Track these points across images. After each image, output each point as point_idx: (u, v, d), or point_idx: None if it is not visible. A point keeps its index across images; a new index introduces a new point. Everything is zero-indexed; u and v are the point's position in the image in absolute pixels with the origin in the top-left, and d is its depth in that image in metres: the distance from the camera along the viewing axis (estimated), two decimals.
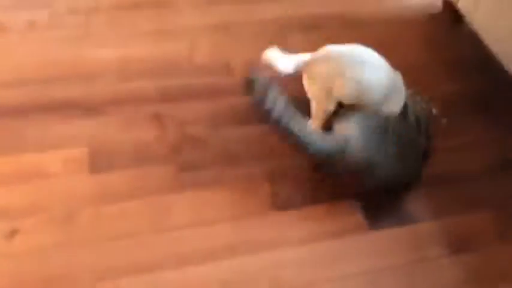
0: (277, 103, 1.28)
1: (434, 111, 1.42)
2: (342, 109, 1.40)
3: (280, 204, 1.35)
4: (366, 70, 1.35)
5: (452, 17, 1.88)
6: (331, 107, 1.38)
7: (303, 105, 1.40)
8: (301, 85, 1.42)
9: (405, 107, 1.40)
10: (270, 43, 1.75)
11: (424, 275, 1.24)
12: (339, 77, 1.34)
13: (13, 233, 1.24)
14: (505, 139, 1.52)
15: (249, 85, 1.32)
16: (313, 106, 1.41)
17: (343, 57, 1.37)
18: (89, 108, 1.52)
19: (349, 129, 1.30)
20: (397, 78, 1.42)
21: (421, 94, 1.45)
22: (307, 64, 1.41)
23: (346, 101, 1.37)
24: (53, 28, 1.74)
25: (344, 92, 1.35)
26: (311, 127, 1.35)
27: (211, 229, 1.29)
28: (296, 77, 1.43)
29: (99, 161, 1.40)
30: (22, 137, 1.44)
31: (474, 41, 1.70)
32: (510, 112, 1.60)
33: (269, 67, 1.42)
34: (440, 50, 1.82)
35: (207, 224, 1.30)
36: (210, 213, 1.32)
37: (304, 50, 1.75)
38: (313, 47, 1.77)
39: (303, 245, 1.28)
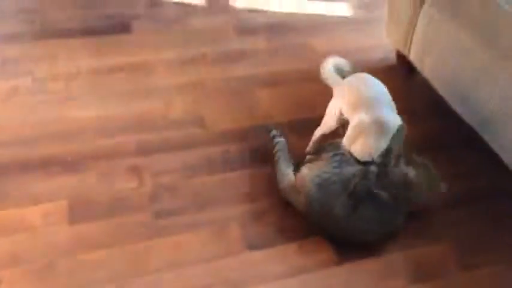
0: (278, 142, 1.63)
1: (443, 186, 1.46)
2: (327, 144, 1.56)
3: (253, 244, 1.41)
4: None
5: (406, 68, 2.05)
6: (334, 125, 1.60)
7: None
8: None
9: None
10: (239, 98, 1.91)
11: None
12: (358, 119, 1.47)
13: None
14: (457, 176, 1.64)
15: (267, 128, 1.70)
16: (324, 118, 1.65)
17: (372, 100, 1.50)
18: (68, 164, 1.60)
19: (305, 183, 1.44)
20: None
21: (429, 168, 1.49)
22: (339, 84, 1.62)
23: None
24: (35, 93, 1.86)
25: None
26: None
27: (188, 271, 1.34)
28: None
29: (77, 213, 1.46)
30: (4, 193, 1.50)
31: (426, 89, 1.86)
32: (464, 150, 1.73)
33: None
34: (397, 98, 1.96)
35: (184, 266, 1.35)
36: (187, 257, 1.37)
37: (270, 102, 1.90)
38: (278, 100, 1.92)
39: (276, 281, 1.33)
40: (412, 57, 1.93)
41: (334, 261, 1.38)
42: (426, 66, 1.84)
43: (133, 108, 1.82)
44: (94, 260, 1.35)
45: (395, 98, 1.99)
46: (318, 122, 1.81)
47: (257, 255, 1.39)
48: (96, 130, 1.73)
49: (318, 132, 1.65)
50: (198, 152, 1.69)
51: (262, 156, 1.67)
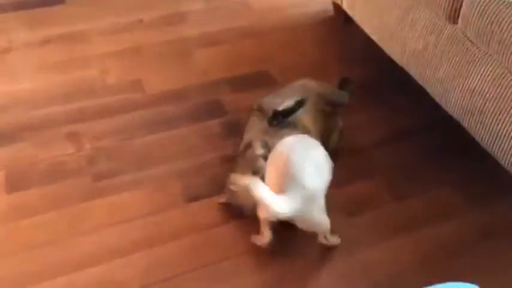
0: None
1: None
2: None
3: (189, 197, 1.44)
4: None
5: (342, 18, 2.08)
6: None
7: None
8: None
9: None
10: (177, 60, 1.91)
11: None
12: None
13: None
14: (389, 116, 1.69)
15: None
16: None
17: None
18: (2, 136, 1.59)
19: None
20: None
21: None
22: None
23: None
24: None
25: None
26: None
27: (128, 227, 1.36)
28: None
29: (15, 182, 1.46)
30: None
31: (361, 36, 1.89)
32: (394, 92, 1.78)
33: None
34: (334, 46, 2.01)
35: (123, 223, 1.37)
36: (126, 213, 1.39)
37: (210, 61, 1.91)
38: (217, 59, 1.93)
39: (216, 228, 1.37)
40: (345, 5, 1.96)
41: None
42: (357, 12, 1.88)
43: (69, 78, 1.81)
44: (31, 224, 1.36)
45: (329, 47, 2.03)
46: (257, 77, 1.84)
47: (195, 206, 1.42)
48: (30, 101, 1.71)
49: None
50: (137, 114, 1.69)
51: (199, 114, 1.69)
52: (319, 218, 1.26)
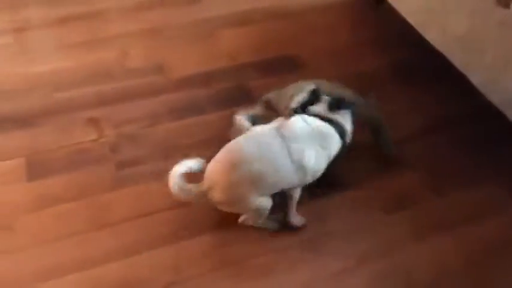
0: None
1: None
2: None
3: None
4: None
5: None
6: None
7: None
8: None
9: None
10: (201, 41, 1.82)
11: (371, 234, 1.28)
12: None
13: None
14: (427, 105, 1.60)
15: None
16: None
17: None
18: (22, 121, 1.52)
19: None
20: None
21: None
22: None
23: None
24: None
25: None
26: None
27: (153, 219, 1.30)
28: None
29: (36, 169, 1.40)
30: None
31: (395, 18, 1.79)
32: (431, 79, 1.68)
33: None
34: (366, 29, 1.90)
35: (148, 215, 1.31)
36: (152, 206, 1.33)
37: (236, 43, 1.82)
38: (244, 41, 1.84)
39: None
40: None
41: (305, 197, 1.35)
42: None
43: (88, 60, 1.73)
44: (55, 215, 1.30)
45: (360, 29, 1.92)
46: (285, 61, 1.75)
47: None
48: (50, 84, 1.64)
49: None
50: (159, 99, 1.61)
51: (225, 100, 1.60)
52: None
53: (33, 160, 1.42)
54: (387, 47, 1.79)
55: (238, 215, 1.27)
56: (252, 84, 1.66)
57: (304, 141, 1.21)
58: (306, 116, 1.26)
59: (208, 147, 1.46)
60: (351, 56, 1.76)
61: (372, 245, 1.26)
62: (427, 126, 1.53)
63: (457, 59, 1.52)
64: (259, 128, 1.27)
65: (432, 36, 1.60)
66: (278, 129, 1.22)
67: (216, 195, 1.20)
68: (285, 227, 1.27)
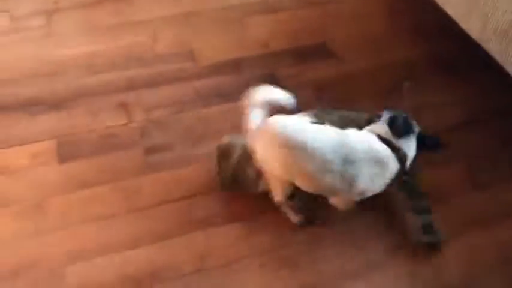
0: None
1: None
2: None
3: None
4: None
5: None
6: None
7: None
8: None
9: None
10: (231, 28, 1.79)
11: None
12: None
13: None
14: (467, 96, 1.55)
15: None
16: None
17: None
18: (53, 104, 1.52)
19: None
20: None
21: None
22: None
23: None
24: (14, 32, 1.75)
25: None
26: None
27: (182, 205, 1.29)
28: None
29: (67, 152, 1.40)
30: None
31: (433, 7, 1.73)
32: (471, 71, 1.63)
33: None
34: (402, 18, 1.85)
35: (177, 201, 1.30)
36: (180, 191, 1.32)
37: (266, 30, 1.79)
38: (275, 28, 1.81)
39: (275, 212, 1.28)
40: None
41: None
42: None
43: (119, 43, 1.72)
44: (84, 198, 1.30)
45: (397, 17, 1.85)
46: (316, 50, 1.72)
47: None
48: (81, 67, 1.63)
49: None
50: (189, 85, 1.60)
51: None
52: None
53: (64, 142, 1.42)
54: (424, 36, 1.74)
55: (268, 204, 1.26)
56: (282, 72, 1.63)
57: (360, 165, 1.11)
58: (372, 138, 1.15)
59: (236, 134, 1.46)
60: (385, 44, 1.72)
61: (405, 236, 1.23)
62: (466, 118, 1.49)
63: (497, 51, 1.46)
64: (329, 130, 1.15)
65: (471, 28, 1.55)
66: (341, 144, 1.12)
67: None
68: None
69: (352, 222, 1.26)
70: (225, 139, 1.34)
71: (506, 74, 1.43)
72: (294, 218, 1.26)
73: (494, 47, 1.47)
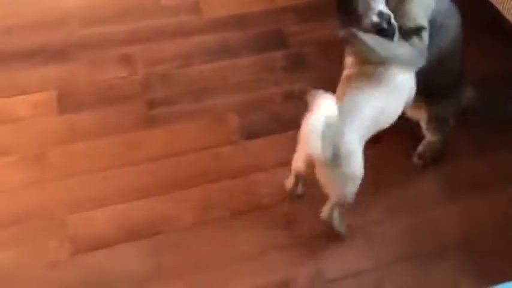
0: None
1: None
2: None
3: (251, 133, 1.34)
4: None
5: None
6: None
7: None
8: None
9: None
10: None
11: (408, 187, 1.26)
12: None
13: None
14: (472, 59, 1.51)
15: None
16: None
17: None
18: (54, 54, 1.50)
19: None
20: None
21: None
22: None
23: None
24: None
25: None
26: None
27: (183, 160, 1.29)
28: None
29: (68, 103, 1.39)
30: None
31: None
32: (481, 32, 1.58)
33: None
34: None
35: (178, 155, 1.30)
36: (180, 146, 1.31)
37: None
38: None
39: (275, 168, 1.27)
40: None
41: None
42: None
43: None
44: (85, 149, 1.30)
45: None
46: (325, 5, 1.66)
47: (255, 143, 1.32)
48: (83, 19, 1.60)
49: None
50: (193, 40, 1.57)
51: (260, 44, 1.55)
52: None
53: (64, 93, 1.41)
54: None
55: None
56: (288, 30, 1.59)
57: None
58: None
59: (240, 90, 1.44)
60: None
61: (404, 197, 1.23)
62: (470, 81, 1.46)
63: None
64: None
65: None
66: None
67: None
68: None
69: None
70: None
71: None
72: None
73: (508, 8, 1.42)
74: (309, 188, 1.19)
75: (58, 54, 1.50)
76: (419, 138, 1.30)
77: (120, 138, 1.32)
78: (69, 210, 1.19)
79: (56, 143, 1.31)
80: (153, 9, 1.64)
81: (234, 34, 1.57)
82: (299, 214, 1.20)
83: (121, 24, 1.59)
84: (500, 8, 1.46)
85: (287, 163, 1.27)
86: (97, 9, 1.63)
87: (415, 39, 1.09)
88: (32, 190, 1.23)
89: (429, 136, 1.28)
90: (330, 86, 1.45)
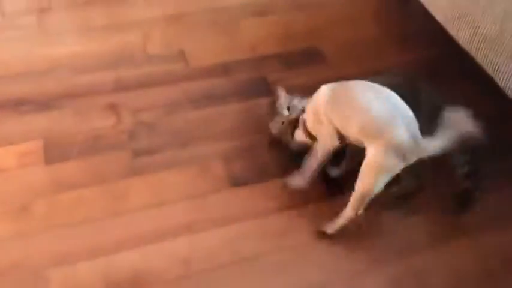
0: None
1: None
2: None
3: (237, 181, 1.36)
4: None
5: None
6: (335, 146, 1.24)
7: None
8: None
9: None
10: (222, 30, 1.79)
11: (388, 235, 1.26)
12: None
13: None
14: (453, 104, 1.55)
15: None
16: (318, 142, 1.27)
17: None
18: (42, 103, 1.52)
19: None
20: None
21: None
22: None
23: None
24: (4, 29, 1.75)
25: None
26: None
27: (169, 209, 1.29)
28: None
29: (54, 152, 1.40)
30: None
31: (423, 14, 1.74)
32: (459, 79, 1.64)
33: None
34: (391, 24, 1.86)
35: (164, 204, 1.30)
36: (167, 195, 1.32)
37: (257, 33, 1.79)
38: (265, 31, 1.81)
39: (261, 218, 1.29)
40: None
41: (325, 197, 1.33)
42: None
43: (110, 43, 1.71)
44: (70, 200, 1.30)
45: (385, 24, 1.86)
46: (306, 54, 1.72)
47: (242, 191, 1.34)
48: (71, 67, 1.63)
49: (314, 163, 1.27)
50: (179, 87, 1.60)
51: (245, 92, 1.58)
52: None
53: (51, 143, 1.42)
54: (413, 43, 1.75)
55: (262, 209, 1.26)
56: (272, 76, 1.63)
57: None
58: None
59: (226, 138, 1.46)
60: (374, 50, 1.72)
61: (388, 246, 1.24)
62: None
63: (486, 60, 1.47)
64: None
65: (460, 35, 1.56)
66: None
67: None
68: None
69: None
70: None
71: (495, 83, 1.44)
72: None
73: (483, 57, 1.48)
74: None
75: (46, 103, 1.52)
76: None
77: (106, 188, 1.33)
78: (53, 262, 1.18)
79: (41, 194, 1.31)
80: (140, 57, 1.68)
81: (219, 82, 1.61)
82: (289, 263, 1.21)
83: (109, 73, 1.62)
84: None
85: (276, 211, 1.30)
86: (86, 58, 1.66)
87: None
88: (15, 242, 1.22)
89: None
90: None
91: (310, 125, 1.27)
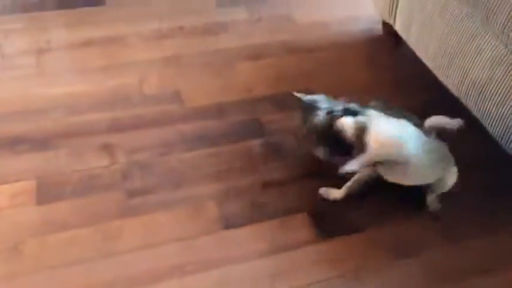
0: None
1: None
2: None
3: (230, 222, 1.36)
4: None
5: (392, 39, 1.98)
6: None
7: None
8: None
9: None
10: (217, 72, 1.83)
11: (373, 279, 1.26)
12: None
13: None
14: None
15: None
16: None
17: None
18: (37, 143, 1.53)
19: None
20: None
21: None
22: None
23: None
24: (3, 69, 1.78)
25: None
26: None
27: (161, 251, 1.29)
28: None
29: (47, 193, 1.40)
30: None
31: (413, 61, 1.79)
32: None
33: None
34: (383, 70, 1.90)
35: (156, 246, 1.30)
36: (159, 236, 1.32)
37: (251, 76, 1.83)
38: (258, 74, 1.85)
39: (255, 260, 1.28)
40: (398, 27, 1.86)
41: (314, 239, 1.33)
42: (412, 35, 1.77)
43: (106, 84, 1.74)
44: (63, 241, 1.29)
45: (377, 69, 1.90)
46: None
47: (235, 233, 1.33)
48: (67, 107, 1.65)
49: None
50: (174, 128, 1.62)
51: (239, 133, 1.61)
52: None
53: (44, 183, 1.42)
54: (403, 88, 1.79)
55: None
56: (265, 118, 1.66)
57: None
58: None
59: (219, 179, 1.47)
60: (364, 95, 1.76)
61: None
62: None
63: (474, 106, 1.51)
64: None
65: (450, 81, 1.60)
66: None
67: None
68: None
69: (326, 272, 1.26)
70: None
71: (484, 129, 1.48)
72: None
73: (472, 103, 1.52)
74: None
75: (41, 143, 1.53)
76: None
77: (98, 228, 1.32)
78: None
79: (32, 235, 1.30)
80: (136, 98, 1.70)
81: (213, 123, 1.64)
82: None
83: (105, 113, 1.65)
84: None
85: (268, 253, 1.29)
86: (83, 98, 1.69)
87: None
88: (7, 283, 1.20)
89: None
90: (308, 173, 1.52)
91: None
